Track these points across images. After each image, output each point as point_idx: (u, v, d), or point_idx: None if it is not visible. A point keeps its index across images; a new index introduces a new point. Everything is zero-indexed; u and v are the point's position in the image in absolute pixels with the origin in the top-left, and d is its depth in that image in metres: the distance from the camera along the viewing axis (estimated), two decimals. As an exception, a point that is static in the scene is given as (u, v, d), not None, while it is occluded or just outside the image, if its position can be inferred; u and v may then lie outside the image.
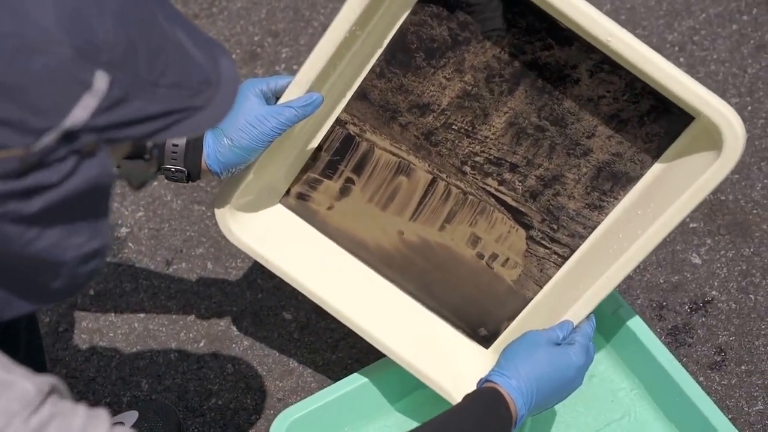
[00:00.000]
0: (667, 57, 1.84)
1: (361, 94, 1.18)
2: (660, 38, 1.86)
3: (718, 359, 1.53)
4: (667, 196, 1.09)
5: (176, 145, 1.13)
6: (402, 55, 1.15)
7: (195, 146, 1.13)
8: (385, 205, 1.24)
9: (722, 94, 1.78)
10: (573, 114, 1.13)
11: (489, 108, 1.15)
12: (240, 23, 1.90)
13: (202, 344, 1.56)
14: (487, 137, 1.17)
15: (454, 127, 1.17)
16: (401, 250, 1.25)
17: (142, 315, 1.59)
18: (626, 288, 1.61)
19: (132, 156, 0.84)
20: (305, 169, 1.24)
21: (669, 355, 1.29)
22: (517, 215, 1.20)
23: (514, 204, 1.20)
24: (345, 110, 1.19)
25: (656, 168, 1.13)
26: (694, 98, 1.03)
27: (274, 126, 1.11)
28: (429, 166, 1.20)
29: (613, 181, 1.15)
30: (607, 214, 1.17)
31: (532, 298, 1.23)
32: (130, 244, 1.66)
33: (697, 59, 1.84)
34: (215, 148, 1.13)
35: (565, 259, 1.20)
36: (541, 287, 1.23)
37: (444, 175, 1.20)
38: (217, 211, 1.21)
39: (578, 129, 1.14)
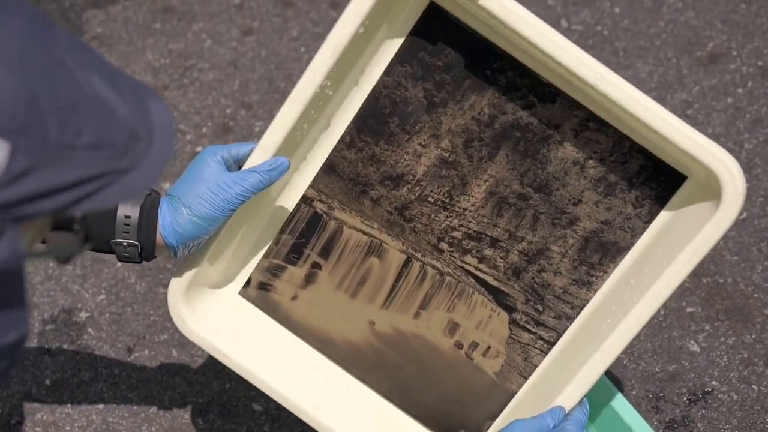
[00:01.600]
0: None
1: (329, 167, 1.11)
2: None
3: None
4: (662, 259, 1.02)
5: (128, 217, 1.04)
6: (374, 121, 1.09)
7: (149, 218, 1.05)
8: (355, 292, 1.15)
9: None
10: (558, 179, 1.07)
11: (468, 176, 1.09)
12: (212, 95, 1.84)
13: None
14: (465, 209, 1.10)
15: (430, 199, 1.11)
16: (372, 344, 1.16)
17: (101, 407, 1.50)
18: (621, 378, 1.52)
19: (58, 226, 0.75)
20: (267, 255, 1.15)
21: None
22: (498, 296, 1.12)
23: (495, 284, 1.12)
24: (312, 186, 1.12)
25: (648, 234, 1.06)
26: (687, 143, 0.97)
27: (237, 193, 1.03)
28: (403, 244, 1.13)
29: (602, 253, 1.08)
30: (596, 291, 1.09)
31: (516, 392, 1.14)
32: (89, 330, 1.57)
33: None
34: (172, 218, 1.04)
35: (552, 344, 1.11)
36: (526, 378, 1.13)
37: (419, 254, 1.13)
38: (170, 300, 1.11)
39: (564, 195, 1.07)
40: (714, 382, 1.52)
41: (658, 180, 1.04)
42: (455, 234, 1.11)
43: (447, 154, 1.09)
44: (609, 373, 1.53)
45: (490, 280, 1.12)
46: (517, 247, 1.10)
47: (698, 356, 1.54)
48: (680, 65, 1.84)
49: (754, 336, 1.56)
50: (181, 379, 1.51)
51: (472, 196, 1.10)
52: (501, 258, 1.11)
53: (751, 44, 1.85)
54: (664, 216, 1.06)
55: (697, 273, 1.62)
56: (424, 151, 1.09)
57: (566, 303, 1.10)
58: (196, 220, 1.03)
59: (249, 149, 1.06)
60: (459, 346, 1.14)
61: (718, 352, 1.54)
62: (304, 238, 1.14)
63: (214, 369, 1.51)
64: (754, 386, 1.51)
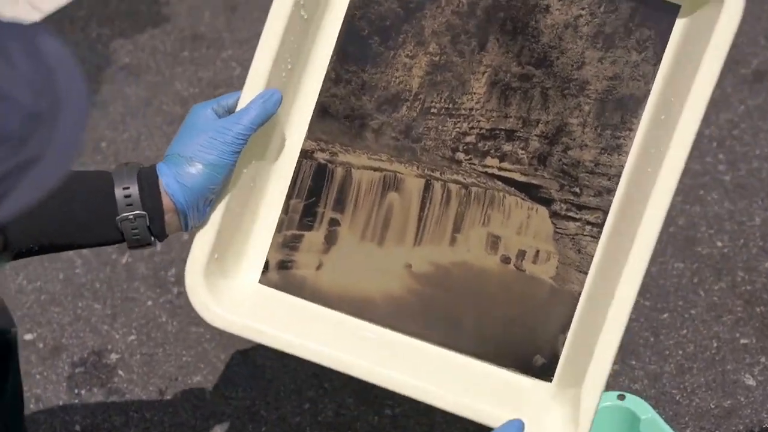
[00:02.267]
0: (706, 152, 1.76)
1: (321, 111, 1.06)
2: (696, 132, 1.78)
3: None
4: (685, 82, 0.98)
5: (127, 188, 0.97)
6: (355, 47, 1.06)
7: (150, 183, 0.97)
8: (382, 237, 1.07)
9: None
10: (554, 47, 1.04)
11: (464, 74, 1.05)
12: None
13: None
14: (471, 109, 1.06)
15: (432, 110, 1.06)
16: (415, 290, 1.07)
17: None
18: (673, 415, 1.41)
19: None
20: (279, 228, 1.08)
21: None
22: (531, 191, 1.05)
23: (524, 179, 1.05)
24: (308, 136, 1.07)
25: (661, 74, 1.03)
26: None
27: (238, 132, 0.97)
28: (418, 168, 1.06)
29: (621, 110, 1.03)
30: (628, 152, 1.03)
31: (579, 292, 1.05)
32: (120, 372, 1.47)
33: (738, 155, 1.74)
34: (175, 173, 0.97)
35: (601, 225, 1.04)
36: (586, 273, 1.04)
37: (437, 173, 1.06)
38: (187, 282, 1.02)
39: (565, 62, 1.04)
40: None
41: (654, 16, 1.02)
42: (468, 139, 1.06)
43: (437, 58, 1.06)
44: (662, 410, 1.44)
45: (517, 176, 1.05)
46: (534, 132, 1.05)
47: (754, 390, 1.47)
48: (724, 84, 1.82)
49: None
50: (215, 422, 1.40)
51: (475, 93, 1.05)
52: (522, 149, 1.05)
53: (796, 61, 1.86)
54: (670, 51, 1.03)
55: (750, 301, 1.56)
56: (413, 63, 1.06)
57: (602, 175, 1.04)
58: (201, 168, 0.97)
59: (237, 97, 1.01)
60: (506, 260, 1.06)
61: None
62: (313, 196, 1.07)
63: (249, 411, 1.39)
64: None
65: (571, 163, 1.05)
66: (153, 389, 1.50)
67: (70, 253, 1.68)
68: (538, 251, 1.06)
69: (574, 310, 1.05)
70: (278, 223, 1.07)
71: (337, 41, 1.06)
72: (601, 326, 1.00)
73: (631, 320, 1.05)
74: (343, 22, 1.06)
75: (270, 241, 1.08)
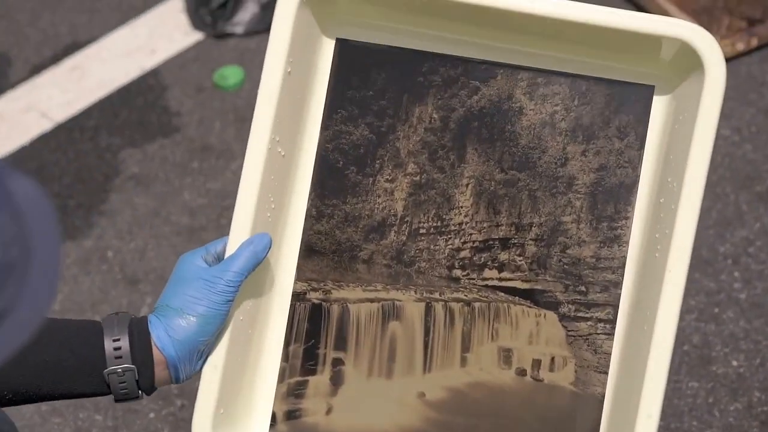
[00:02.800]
0: (721, 270, 1.73)
1: (308, 250, 1.03)
2: (711, 250, 1.73)
3: None
4: (679, 159, 0.96)
5: (117, 340, 0.93)
6: (332, 180, 1.03)
7: (141, 336, 0.94)
8: (390, 370, 1.03)
9: None
10: (535, 148, 1.02)
11: (448, 189, 1.03)
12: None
13: None
14: (461, 223, 1.03)
15: (421, 231, 1.03)
16: (432, 419, 1.02)
17: None
18: None
19: None
20: (282, 378, 1.03)
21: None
22: (536, 297, 1.02)
23: (526, 286, 1.02)
24: (297, 278, 1.03)
25: (648, 157, 1.01)
26: (648, 25, 0.95)
27: (228, 280, 0.94)
28: (416, 292, 1.03)
29: (614, 200, 1.01)
30: (628, 241, 1.00)
31: (603, 393, 1.00)
32: None
33: (754, 273, 1.71)
34: (166, 326, 0.93)
35: (613, 321, 1.00)
36: (606, 372, 1.00)
37: (437, 294, 1.03)
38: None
39: (548, 161, 1.02)
40: None
41: (629, 101, 1.01)
42: (463, 254, 1.03)
43: (418, 177, 1.03)
44: None
45: (519, 284, 1.02)
46: (529, 236, 1.02)
47: None
48: (739, 201, 1.81)
49: None
50: None
51: (462, 207, 1.03)
52: (519, 256, 1.02)
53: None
54: (654, 132, 1.01)
55: (766, 423, 1.52)
56: (394, 186, 1.03)
57: (605, 269, 1.01)
58: (192, 320, 0.93)
59: (226, 242, 0.99)
60: (522, 372, 1.02)
61: None
62: (312, 338, 1.03)
63: None
64: None
65: (572, 261, 1.01)
66: None
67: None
68: (553, 358, 1.02)
69: (601, 413, 1.00)
70: (280, 372, 1.03)
71: (313, 176, 1.04)
72: (634, 413, 0.95)
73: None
74: (317, 156, 1.04)
75: (274, 392, 1.03)
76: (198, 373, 0.97)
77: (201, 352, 0.96)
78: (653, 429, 0.93)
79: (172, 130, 2.04)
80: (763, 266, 1.74)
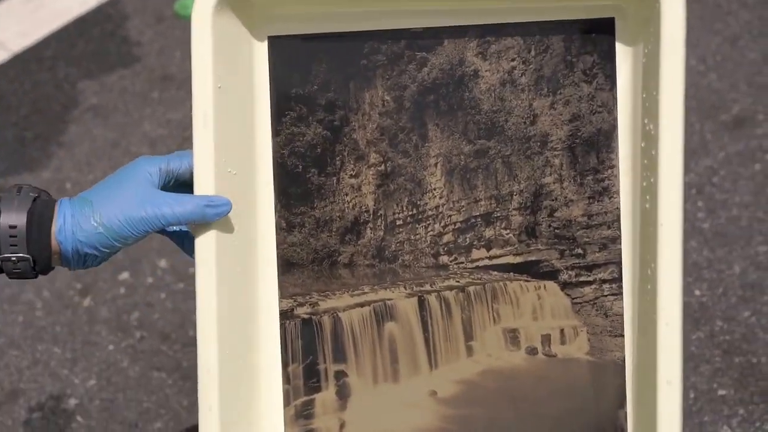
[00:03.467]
0: (684, 199, 1.69)
1: (285, 265, 0.98)
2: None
3: None
4: (653, 96, 0.88)
5: (14, 227, 0.88)
6: (295, 187, 0.97)
7: (41, 223, 0.88)
8: (395, 374, 0.97)
9: (748, 241, 1.60)
10: (499, 111, 0.94)
11: (417, 173, 0.96)
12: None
13: None
14: (437, 206, 0.96)
15: (398, 222, 0.97)
16: (449, 416, 0.96)
17: None
18: None
19: None
20: (287, 401, 0.98)
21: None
22: (532, 270, 0.95)
23: (519, 260, 0.95)
24: (281, 296, 0.98)
25: (623, 95, 0.92)
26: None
27: (163, 215, 0.88)
28: (405, 287, 0.97)
29: (595, 150, 0.93)
30: (618, 191, 0.93)
31: (623, 357, 0.93)
32: (78, 418, 1.45)
33: (718, 203, 1.66)
34: (74, 223, 0.88)
35: (618, 279, 0.93)
36: (622, 335, 0.93)
37: (428, 286, 0.96)
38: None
39: (517, 122, 0.94)
40: None
41: (590, 40, 0.92)
42: (446, 238, 0.96)
43: (382, 167, 0.96)
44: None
45: (511, 259, 0.95)
46: (512, 206, 0.95)
47: None
48: (704, 130, 1.76)
49: None
50: None
51: (435, 189, 0.96)
52: (505, 229, 0.95)
53: (778, 107, 1.78)
54: (623, 68, 0.92)
55: (728, 351, 1.49)
56: (360, 181, 0.97)
57: (600, 226, 0.93)
58: (102, 231, 0.88)
59: (188, 164, 0.92)
60: (532, 351, 0.95)
61: None
62: (310, 355, 0.98)
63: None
64: None
65: (563, 224, 0.94)
66: None
67: (31, 295, 1.67)
68: (562, 330, 0.95)
69: (624, 379, 0.94)
70: (284, 395, 0.98)
71: (274, 187, 0.97)
72: (656, 381, 0.88)
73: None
74: (274, 164, 0.97)
75: (282, 417, 0.99)
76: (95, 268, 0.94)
77: (98, 259, 0.90)
78: (677, 396, 0.86)
79: (132, 61, 2.00)
80: (727, 196, 1.67)
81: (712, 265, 1.61)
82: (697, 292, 1.58)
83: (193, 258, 0.91)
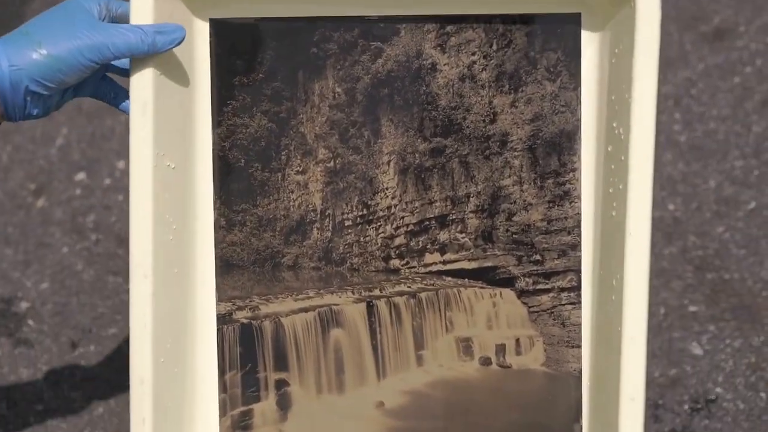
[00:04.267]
0: (661, 111, 1.67)
1: (224, 266, 0.92)
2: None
3: None
4: (623, 101, 0.84)
5: None
6: (236, 183, 0.91)
7: None
8: (340, 384, 0.92)
9: (724, 155, 1.59)
10: (457, 107, 0.89)
11: (368, 171, 0.91)
12: None
13: None
14: (389, 207, 0.91)
15: (347, 223, 0.91)
16: (396, 428, 0.92)
17: (39, 408, 1.36)
18: None
19: None
20: (223, 411, 0.93)
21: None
22: (487, 276, 0.90)
23: (474, 265, 0.91)
24: (219, 299, 0.92)
25: (587, 96, 0.88)
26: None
27: (113, 43, 0.81)
28: (353, 292, 0.92)
29: (556, 152, 0.89)
30: (579, 196, 0.89)
31: (580, 369, 0.90)
32: (29, 322, 1.44)
33: (695, 115, 1.65)
34: (10, 52, 0.81)
35: (578, 288, 0.89)
36: (579, 346, 0.90)
37: (377, 291, 0.91)
38: None
39: (475, 120, 0.89)
40: (718, 389, 1.37)
41: (555, 35, 0.88)
42: (398, 241, 0.91)
43: (331, 163, 0.91)
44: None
45: (465, 265, 0.91)
46: (468, 209, 0.90)
47: (701, 360, 1.40)
48: (683, 41, 1.74)
49: (762, 338, 1.42)
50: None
51: (387, 188, 0.91)
52: (461, 233, 0.90)
53: (759, 20, 1.76)
54: (589, 67, 0.88)
55: (700, 267, 1.49)
56: (307, 178, 0.91)
57: (560, 232, 0.89)
58: (48, 61, 0.81)
59: (127, 7, 0.85)
60: (486, 362, 0.91)
61: (723, 356, 1.40)
62: (249, 362, 0.92)
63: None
64: (762, 394, 1.36)
65: (521, 229, 0.90)
66: (65, 341, 1.45)
67: (-19, 196, 1.62)
68: (518, 340, 0.91)
69: (581, 391, 0.90)
70: (220, 405, 0.93)
71: (214, 182, 0.91)
72: (617, 392, 0.85)
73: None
74: (214, 158, 0.91)
75: (218, 428, 0.93)
76: (32, 118, 0.87)
77: (38, 99, 0.84)
78: (639, 412, 0.83)
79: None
80: (705, 108, 1.67)
81: (686, 179, 1.60)
82: (671, 207, 1.57)
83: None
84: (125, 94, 0.89)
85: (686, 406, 1.35)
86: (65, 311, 1.49)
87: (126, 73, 0.86)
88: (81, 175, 1.64)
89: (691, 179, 1.60)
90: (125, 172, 1.63)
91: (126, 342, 1.44)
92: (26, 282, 1.53)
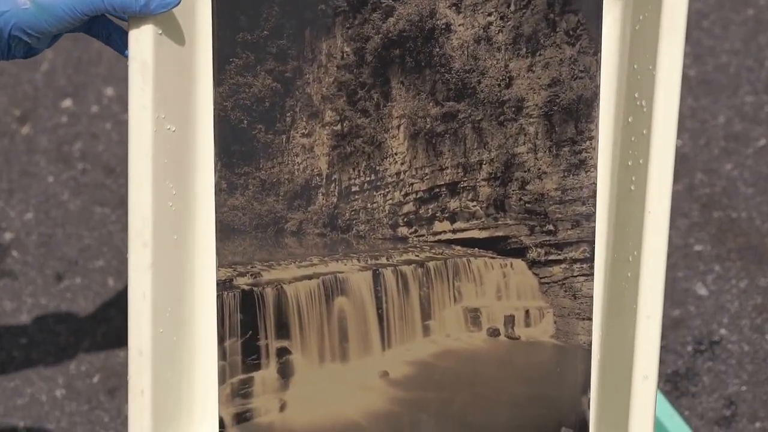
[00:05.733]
0: None
1: (224, 231, 0.89)
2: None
3: (728, 413, 1.29)
4: (645, 75, 0.82)
5: None
6: (239, 144, 0.89)
7: None
8: (344, 353, 0.91)
9: (734, 90, 1.57)
10: (472, 70, 0.87)
11: (377, 135, 0.88)
12: None
13: (96, 379, 1.33)
14: (398, 173, 0.89)
15: (354, 188, 0.89)
16: (401, 399, 0.91)
17: (23, 341, 1.37)
18: None
19: None
20: (222, 378, 0.91)
21: (668, 407, 1.06)
22: (498, 246, 0.89)
23: (485, 234, 0.89)
24: (219, 264, 0.90)
25: (607, 61, 0.86)
26: None
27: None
28: (359, 260, 0.90)
29: (573, 119, 0.87)
30: (595, 165, 0.87)
31: (590, 342, 0.89)
32: (14, 253, 1.44)
33: (706, 49, 1.62)
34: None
35: (590, 259, 0.88)
36: (590, 318, 0.89)
37: (383, 259, 0.90)
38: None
39: (490, 84, 0.87)
40: (723, 331, 1.37)
41: (576, -3, 0.85)
42: (406, 208, 0.89)
43: (339, 126, 0.88)
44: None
45: (476, 234, 0.89)
46: (480, 176, 0.88)
47: (706, 300, 1.39)
48: None
49: None
50: (117, 312, 1.38)
51: (396, 153, 0.88)
52: (472, 201, 0.88)
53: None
54: (610, 32, 0.86)
55: (707, 205, 1.47)
56: (312, 141, 0.89)
57: (574, 201, 0.88)
58: (33, 9, 0.79)
59: None
60: (494, 333, 0.90)
61: (729, 297, 1.39)
62: (249, 330, 0.91)
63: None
64: None
65: (534, 198, 0.88)
66: (50, 273, 1.44)
67: (-37, 122, 1.62)
68: (527, 311, 0.89)
69: (590, 364, 0.89)
70: (219, 372, 0.91)
71: (215, 144, 0.88)
72: (628, 368, 0.84)
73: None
74: (215, 118, 0.88)
75: (216, 396, 0.92)
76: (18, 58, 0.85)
77: (24, 44, 0.82)
78: (652, 391, 0.82)
79: None
80: (716, 42, 1.64)
81: (695, 114, 1.58)
82: (679, 142, 1.56)
83: None
84: (120, 34, 0.85)
85: (690, 348, 1.35)
86: (50, 242, 1.48)
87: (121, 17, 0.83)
88: (67, 102, 1.61)
89: (700, 114, 1.58)
90: (113, 99, 1.59)
91: (113, 274, 1.43)
92: (10, 212, 1.51)
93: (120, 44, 0.84)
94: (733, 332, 1.36)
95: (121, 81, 1.62)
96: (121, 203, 1.50)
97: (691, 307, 1.38)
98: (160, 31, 0.81)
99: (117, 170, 1.53)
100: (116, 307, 1.41)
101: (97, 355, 1.37)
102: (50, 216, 1.51)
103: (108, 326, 1.39)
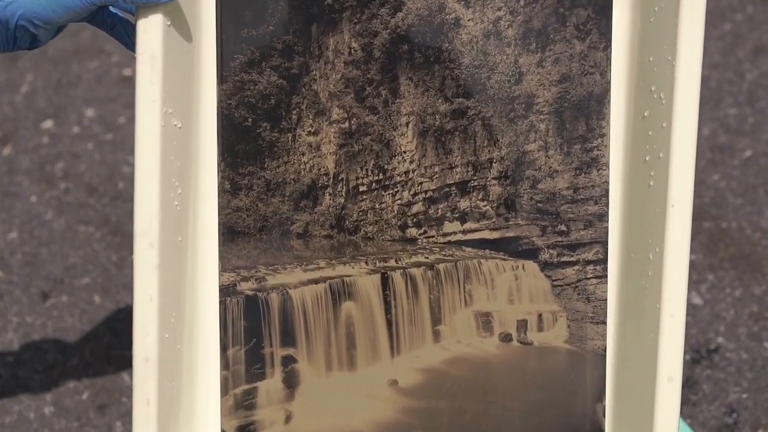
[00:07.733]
0: None
1: (228, 233, 0.88)
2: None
3: (730, 421, 1.29)
4: (662, 68, 0.81)
5: None
6: (243, 143, 0.88)
7: None
8: (351, 361, 0.89)
9: (717, 103, 1.58)
10: (481, 66, 0.86)
11: (385, 132, 0.88)
12: None
13: (85, 396, 1.35)
14: (407, 172, 0.88)
15: (361, 188, 0.88)
16: (411, 408, 0.89)
17: (10, 359, 1.38)
18: None
19: None
20: (225, 389, 0.89)
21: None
22: (510, 247, 0.88)
23: (496, 235, 0.88)
24: (222, 268, 0.89)
25: (618, 56, 0.86)
26: None
27: None
28: (367, 263, 0.89)
29: (584, 116, 0.86)
30: (607, 163, 0.86)
31: (605, 347, 0.88)
32: None
33: None
34: None
35: (604, 261, 0.87)
36: (604, 322, 0.88)
37: (392, 262, 0.88)
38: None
39: (500, 80, 0.86)
40: (720, 339, 1.37)
41: (587, -9, 0.85)
42: (415, 209, 0.88)
43: (346, 124, 0.88)
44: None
45: (487, 235, 0.88)
46: (491, 175, 0.87)
47: (701, 309, 1.40)
48: None
49: (764, 287, 1.42)
50: (105, 329, 1.39)
51: (405, 152, 0.88)
52: (482, 200, 0.88)
53: (750, -36, 1.77)
54: (621, 26, 0.86)
55: (697, 216, 1.48)
56: (319, 139, 0.88)
57: (586, 201, 0.87)
58: None
59: None
60: (506, 338, 0.89)
61: (724, 305, 1.40)
62: (253, 337, 0.89)
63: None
64: (766, 344, 1.36)
65: (546, 198, 0.87)
66: (35, 291, 1.45)
67: (-57, 141, 1.64)
68: (540, 315, 0.88)
69: (604, 370, 0.88)
70: (222, 382, 0.89)
71: (218, 142, 0.88)
72: (649, 372, 0.83)
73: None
74: (219, 116, 0.87)
75: (219, 407, 0.90)
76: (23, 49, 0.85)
77: (28, 37, 0.82)
78: (677, 393, 0.81)
79: None
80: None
81: None
82: None
83: None
84: (124, 25, 0.85)
85: (687, 356, 1.35)
86: (35, 261, 1.49)
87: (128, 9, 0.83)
88: (48, 123, 1.63)
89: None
90: (94, 120, 1.61)
91: (99, 292, 1.44)
92: None
93: (124, 35, 0.84)
94: (730, 340, 1.36)
95: (101, 102, 1.65)
96: (105, 222, 1.52)
97: (687, 317, 1.38)
98: (169, 22, 0.80)
99: (100, 189, 1.55)
100: (104, 324, 1.42)
101: (85, 371, 1.37)
102: (34, 235, 1.52)
103: (96, 343, 1.39)
